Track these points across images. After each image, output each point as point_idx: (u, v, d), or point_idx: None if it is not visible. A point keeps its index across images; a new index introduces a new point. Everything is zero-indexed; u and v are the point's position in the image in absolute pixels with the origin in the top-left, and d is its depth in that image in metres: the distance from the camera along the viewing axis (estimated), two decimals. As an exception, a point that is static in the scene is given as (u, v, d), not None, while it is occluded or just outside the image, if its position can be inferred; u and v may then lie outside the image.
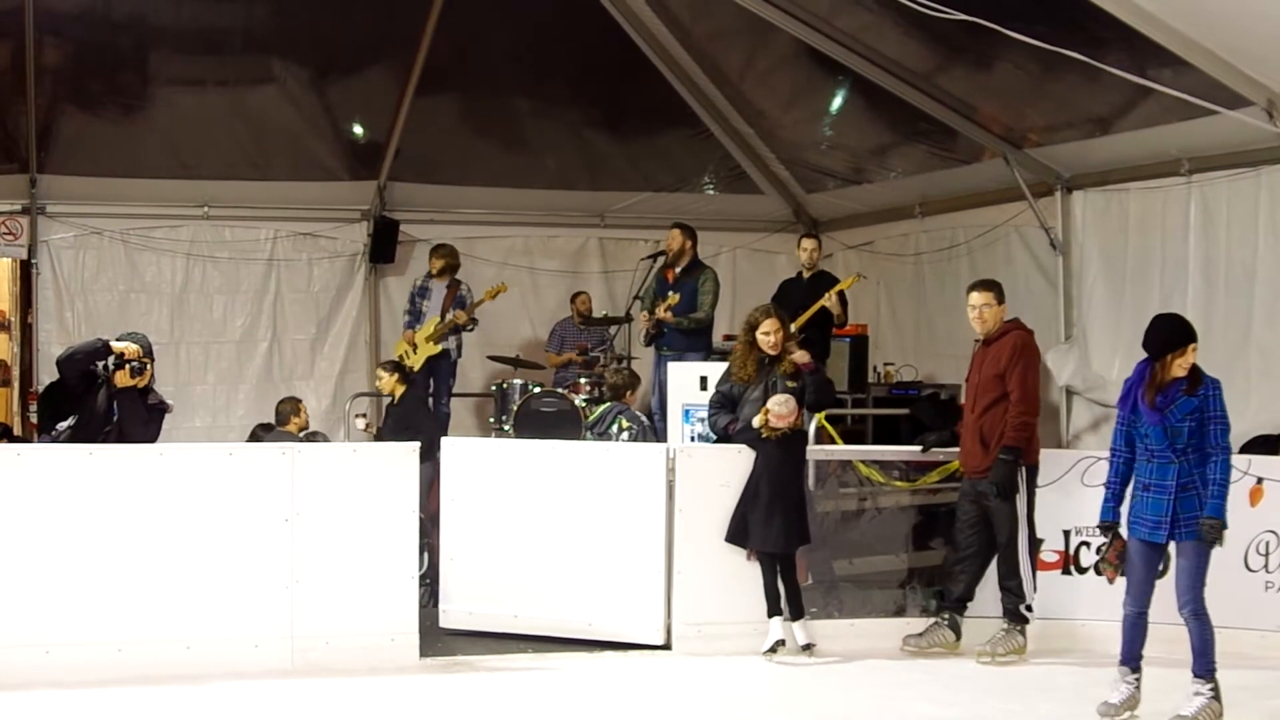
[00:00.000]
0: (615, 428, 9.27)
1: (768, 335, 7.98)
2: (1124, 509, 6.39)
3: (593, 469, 7.97)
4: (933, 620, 7.73)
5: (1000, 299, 7.68)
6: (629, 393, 9.64)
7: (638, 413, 9.48)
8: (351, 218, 12.17)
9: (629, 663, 7.55)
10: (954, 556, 7.81)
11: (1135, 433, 6.27)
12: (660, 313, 10.31)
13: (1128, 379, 6.41)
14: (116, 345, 7.48)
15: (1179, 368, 6.19)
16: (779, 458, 7.64)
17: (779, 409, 7.65)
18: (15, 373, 12.30)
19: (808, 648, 7.54)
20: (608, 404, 9.56)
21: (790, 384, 7.93)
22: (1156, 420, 6.17)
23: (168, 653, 6.93)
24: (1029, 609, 7.54)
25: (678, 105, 11.64)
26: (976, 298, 7.69)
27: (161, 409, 7.73)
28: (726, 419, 8.01)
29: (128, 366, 7.38)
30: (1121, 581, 6.39)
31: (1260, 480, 7.58)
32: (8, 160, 11.26)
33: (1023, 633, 7.53)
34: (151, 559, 6.99)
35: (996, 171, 10.28)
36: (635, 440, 9.12)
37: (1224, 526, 6.14)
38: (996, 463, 7.43)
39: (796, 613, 7.62)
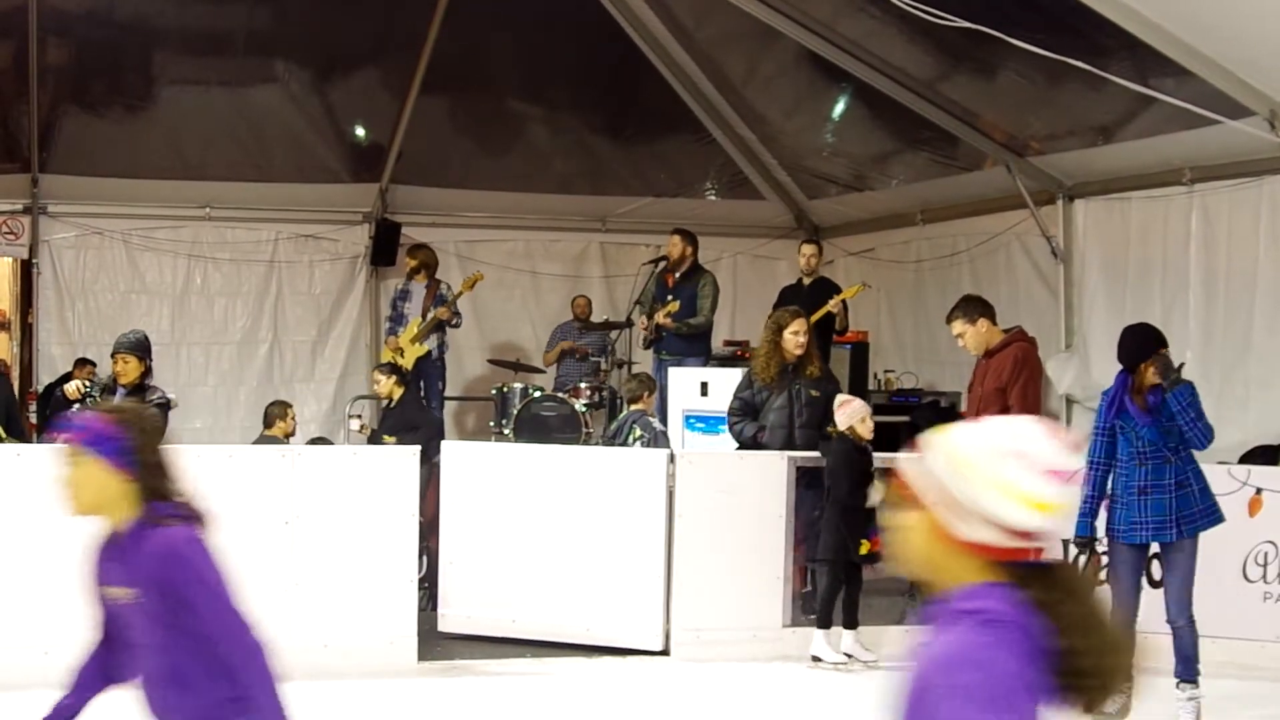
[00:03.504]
0: (630, 436, 9.16)
1: (796, 335, 7.93)
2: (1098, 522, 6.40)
3: (593, 474, 7.97)
4: None
5: (973, 317, 7.57)
6: (646, 395, 9.41)
7: (651, 419, 9.28)
8: (353, 220, 12.16)
9: (627, 668, 7.54)
10: None
11: (1123, 439, 6.30)
12: (660, 318, 10.31)
13: (1106, 391, 6.45)
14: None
15: (1154, 375, 6.25)
16: (854, 464, 7.54)
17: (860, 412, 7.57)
18: (15, 373, 12.28)
19: (849, 656, 7.49)
20: (624, 413, 9.38)
21: (814, 392, 7.92)
22: (1149, 421, 6.21)
23: (166, 654, 6.92)
24: None
25: (680, 110, 11.63)
26: (952, 329, 7.67)
27: (165, 405, 7.71)
28: (754, 429, 7.96)
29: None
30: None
31: (1259, 491, 7.58)
32: (9, 160, 11.25)
33: None
34: (150, 560, 6.99)
35: (998, 179, 10.27)
36: (646, 447, 9.04)
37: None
38: None
39: (853, 622, 7.55)
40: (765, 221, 12.79)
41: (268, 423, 10.05)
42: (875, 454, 8.22)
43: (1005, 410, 7.46)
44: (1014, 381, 7.46)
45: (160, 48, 10.77)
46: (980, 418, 7.71)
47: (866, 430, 7.52)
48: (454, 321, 11.28)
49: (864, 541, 7.37)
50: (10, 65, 10.42)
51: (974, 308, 7.65)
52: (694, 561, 7.69)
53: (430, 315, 11.17)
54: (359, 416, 10.74)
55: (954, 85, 9.76)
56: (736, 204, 12.68)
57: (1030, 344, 7.69)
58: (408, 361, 11.14)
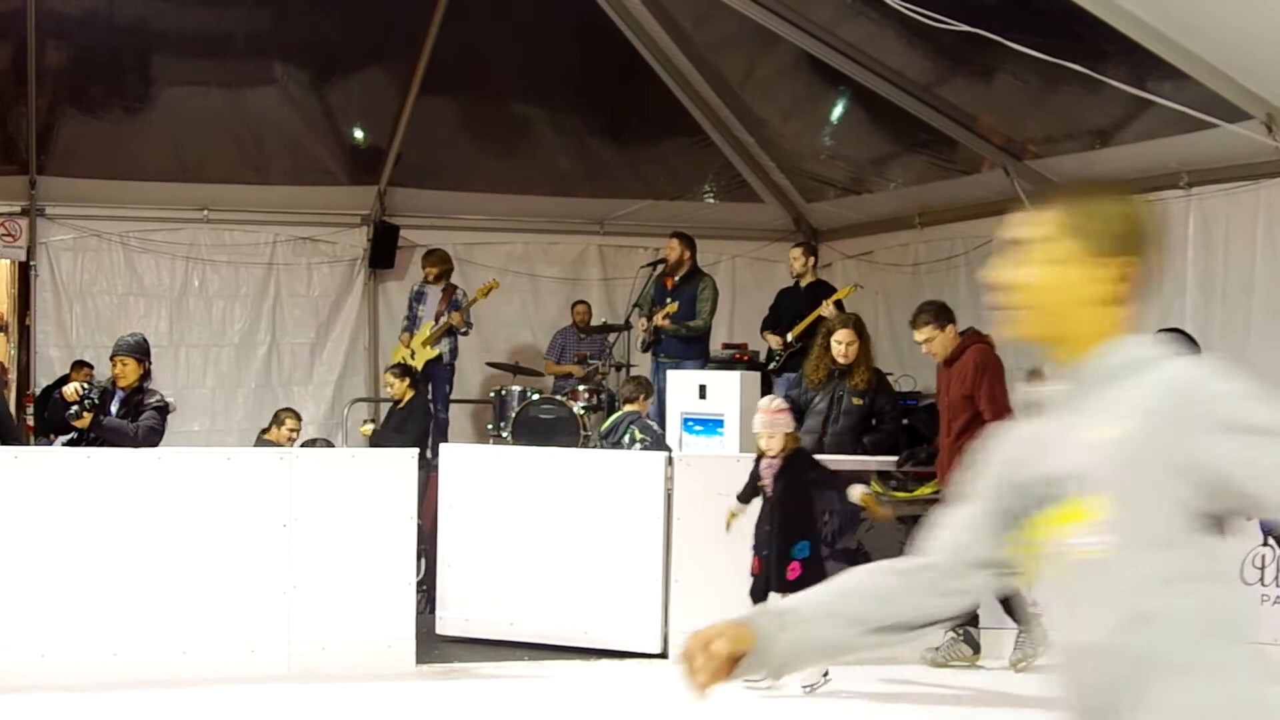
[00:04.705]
0: (628, 437, 9.12)
1: (839, 344, 8.11)
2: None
3: (591, 477, 7.97)
4: (949, 635, 7.71)
5: (941, 322, 7.58)
6: (642, 398, 9.39)
7: (650, 422, 9.17)
8: (352, 222, 12.16)
9: (626, 671, 7.54)
10: None
11: None
12: (659, 320, 10.33)
13: None
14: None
15: None
16: (776, 480, 7.16)
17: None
18: (12, 375, 12.28)
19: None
20: (620, 413, 9.24)
21: (856, 400, 7.95)
22: None
23: (164, 657, 6.93)
24: (1035, 604, 7.56)
25: (679, 113, 11.64)
26: (916, 336, 7.67)
27: (163, 408, 7.70)
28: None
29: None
30: None
31: (1257, 494, 7.59)
32: (7, 162, 11.26)
33: (1041, 628, 7.56)
34: (148, 563, 7.00)
35: (996, 182, 10.27)
36: (648, 450, 8.98)
37: None
38: None
39: None
40: (763, 224, 12.79)
41: (273, 423, 10.07)
42: (874, 457, 8.23)
43: (976, 416, 7.43)
44: (979, 386, 7.42)
45: (158, 50, 10.78)
46: (952, 428, 7.69)
47: (763, 443, 7.09)
48: (463, 330, 11.30)
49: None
50: (8, 67, 10.43)
51: (944, 313, 7.67)
52: (692, 564, 7.69)
53: (443, 320, 11.18)
54: (373, 421, 10.75)
55: (952, 89, 9.77)
56: (735, 207, 12.68)
57: (987, 344, 7.66)
58: (417, 364, 11.16)
